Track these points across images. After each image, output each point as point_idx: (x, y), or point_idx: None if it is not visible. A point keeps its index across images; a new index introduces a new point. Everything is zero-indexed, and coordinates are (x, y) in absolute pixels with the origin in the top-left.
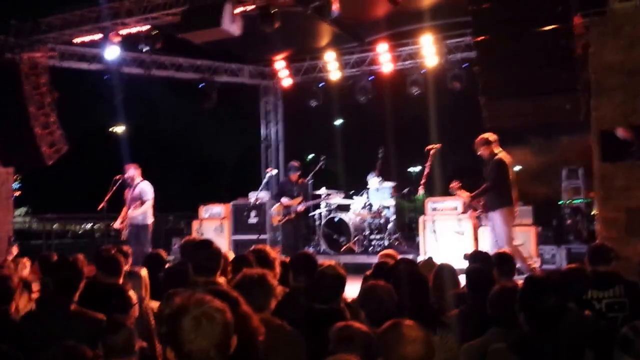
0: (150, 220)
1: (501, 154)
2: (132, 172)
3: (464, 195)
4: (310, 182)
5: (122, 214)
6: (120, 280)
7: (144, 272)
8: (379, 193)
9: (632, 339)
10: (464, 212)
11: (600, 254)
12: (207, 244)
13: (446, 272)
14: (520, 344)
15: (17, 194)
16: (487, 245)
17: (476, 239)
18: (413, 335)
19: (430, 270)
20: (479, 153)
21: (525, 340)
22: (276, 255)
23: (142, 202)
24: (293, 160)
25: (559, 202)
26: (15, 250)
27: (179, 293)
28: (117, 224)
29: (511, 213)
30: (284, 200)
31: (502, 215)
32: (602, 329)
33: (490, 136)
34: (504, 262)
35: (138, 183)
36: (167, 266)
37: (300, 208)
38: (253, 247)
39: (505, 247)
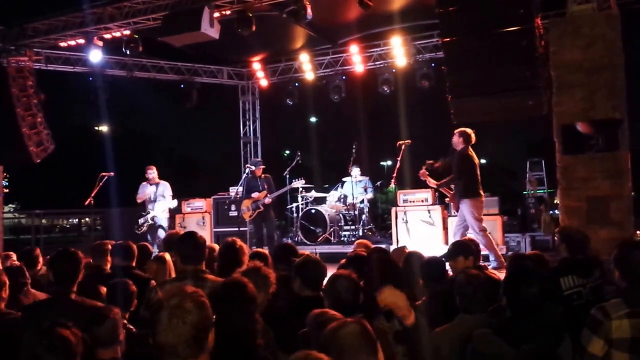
0: (168, 214)
1: (469, 150)
2: (154, 173)
3: (432, 182)
4: (286, 177)
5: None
6: (133, 264)
7: (168, 256)
8: (356, 186)
9: (600, 319)
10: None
11: (580, 244)
12: (192, 235)
13: (415, 260)
14: (505, 328)
15: (6, 190)
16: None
17: (445, 228)
18: (341, 320)
19: (402, 257)
20: (453, 140)
21: (509, 326)
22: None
23: (164, 197)
24: (271, 155)
25: (524, 192)
26: None
27: (170, 284)
28: (149, 218)
29: (478, 204)
30: (253, 194)
31: (469, 205)
32: (579, 317)
33: (472, 134)
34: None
35: (159, 183)
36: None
37: (267, 200)
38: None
39: (476, 235)
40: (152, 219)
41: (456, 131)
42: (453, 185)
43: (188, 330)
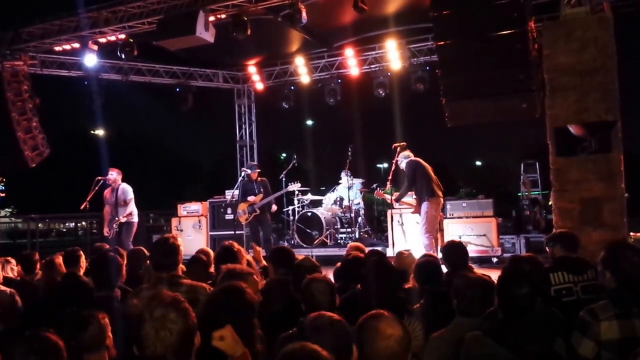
0: (135, 218)
1: (414, 158)
2: (115, 175)
3: (389, 198)
4: (283, 180)
5: (105, 215)
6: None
7: None
8: (351, 189)
9: (589, 321)
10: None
11: (572, 241)
12: (163, 242)
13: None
14: (495, 330)
15: (1, 195)
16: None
17: (441, 230)
18: (388, 332)
19: (408, 262)
20: (396, 157)
21: (501, 327)
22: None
23: (126, 202)
24: (267, 159)
25: (518, 194)
26: None
27: (146, 290)
28: (105, 230)
29: (433, 204)
30: (250, 198)
31: (425, 205)
32: (568, 314)
33: (402, 146)
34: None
35: (119, 185)
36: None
37: (270, 201)
38: (223, 242)
39: (424, 234)
40: (117, 225)
41: (396, 145)
42: (415, 196)
43: (175, 339)
